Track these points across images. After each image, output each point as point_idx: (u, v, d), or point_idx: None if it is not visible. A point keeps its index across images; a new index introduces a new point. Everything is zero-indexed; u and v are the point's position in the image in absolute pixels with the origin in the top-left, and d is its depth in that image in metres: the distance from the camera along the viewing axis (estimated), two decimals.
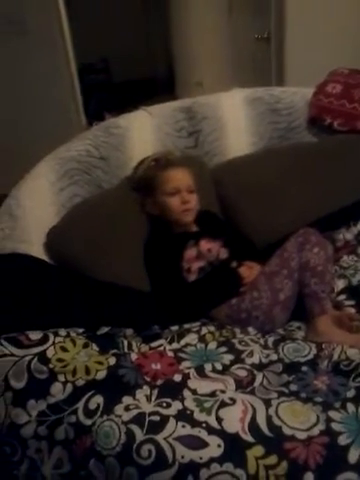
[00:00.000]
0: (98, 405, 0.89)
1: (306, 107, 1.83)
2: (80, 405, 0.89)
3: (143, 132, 1.67)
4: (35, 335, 0.99)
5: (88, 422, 0.87)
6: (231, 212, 1.62)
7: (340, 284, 1.34)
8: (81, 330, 1.06)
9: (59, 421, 0.89)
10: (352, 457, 0.79)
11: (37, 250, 1.28)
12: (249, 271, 1.32)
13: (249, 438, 0.84)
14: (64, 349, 0.98)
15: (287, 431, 0.85)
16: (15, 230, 1.28)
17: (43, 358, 0.95)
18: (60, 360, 0.96)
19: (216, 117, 1.77)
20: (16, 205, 1.34)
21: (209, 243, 1.43)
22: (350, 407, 0.90)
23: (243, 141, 1.78)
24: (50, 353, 0.96)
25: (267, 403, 0.91)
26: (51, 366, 0.94)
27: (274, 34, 2.59)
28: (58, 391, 0.91)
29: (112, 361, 0.98)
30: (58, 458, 0.88)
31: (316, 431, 0.85)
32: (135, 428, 0.85)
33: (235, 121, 1.78)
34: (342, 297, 1.30)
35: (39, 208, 1.37)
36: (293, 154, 1.68)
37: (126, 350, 1.07)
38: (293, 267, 1.23)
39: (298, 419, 0.88)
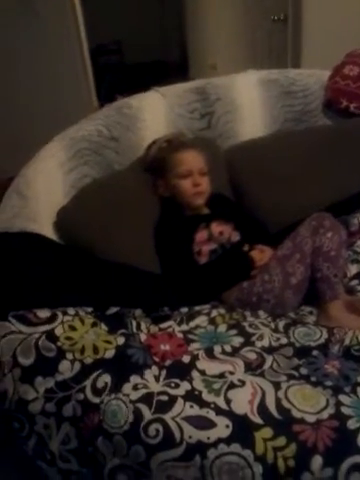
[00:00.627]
0: (106, 384, 0.89)
1: (322, 90, 1.79)
2: (88, 383, 0.89)
3: (155, 113, 1.65)
4: (44, 313, 0.99)
5: (96, 400, 0.87)
6: (243, 195, 1.60)
7: (353, 269, 1.32)
8: (90, 309, 1.06)
9: (67, 398, 0.89)
10: None
11: (46, 229, 1.27)
12: (261, 255, 1.31)
13: (258, 420, 0.83)
14: (72, 328, 0.98)
15: (296, 414, 0.84)
16: (24, 209, 1.27)
17: (51, 336, 0.95)
18: (68, 338, 0.95)
19: (230, 99, 1.74)
20: (25, 184, 1.33)
21: (221, 226, 1.41)
22: None
23: (257, 124, 1.75)
24: (59, 331, 0.96)
25: (276, 386, 0.90)
26: (59, 344, 0.94)
27: (291, 15, 2.53)
28: (66, 369, 0.91)
29: (121, 340, 0.97)
30: (66, 434, 0.88)
31: (325, 415, 0.84)
32: (143, 407, 0.85)
33: (249, 103, 1.75)
34: (355, 282, 1.28)
35: (48, 188, 1.36)
36: (307, 137, 1.65)
37: (135, 330, 1.07)
38: (306, 251, 1.21)
39: (308, 402, 0.87)
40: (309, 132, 1.69)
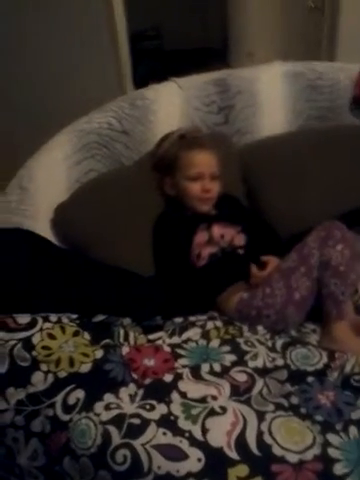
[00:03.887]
0: (78, 400, 0.84)
1: (351, 85, 1.65)
2: (59, 399, 0.84)
3: (170, 106, 1.57)
4: (23, 319, 0.94)
5: (65, 418, 0.82)
6: (256, 196, 1.50)
7: None
8: (75, 316, 1.01)
9: (36, 413, 0.84)
10: None
11: (43, 226, 1.23)
12: (259, 273, 1.21)
13: (234, 455, 0.76)
14: (51, 336, 0.93)
15: (277, 451, 0.77)
16: (23, 204, 1.23)
17: (28, 344, 0.90)
18: (45, 348, 0.91)
19: (251, 92, 1.64)
20: (28, 177, 1.29)
21: (223, 228, 1.33)
22: (352, 431, 0.80)
23: (278, 119, 1.64)
24: (36, 339, 0.91)
25: (261, 416, 0.83)
26: (34, 354, 0.89)
27: (328, 3, 2.36)
28: (39, 381, 0.87)
29: (99, 354, 0.92)
30: (34, 450, 0.84)
31: (310, 455, 0.76)
32: (112, 430, 0.80)
33: (271, 97, 1.64)
34: None
35: (51, 182, 1.32)
36: (330, 137, 1.53)
37: (121, 341, 1.01)
38: (312, 264, 1.11)
39: (292, 439, 0.79)
40: (332, 131, 1.56)
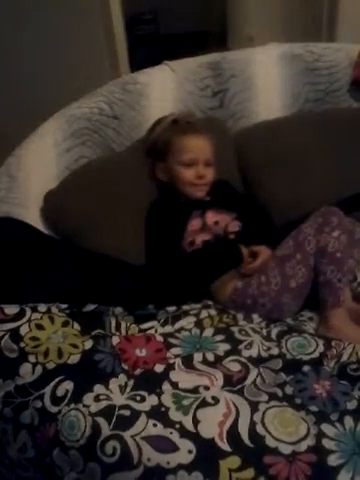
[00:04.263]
0: (67, 392, 0.82)
1: (350, 67, 1.60)
2: (47, 390, 0.83)
3: (163, 90, 1.53)
4: (11, 309, 0.92)
5: (54, 409, 0.81)
6: (252, 182, 1.47)
7: None
8: (64, 306, 0.99)
9: (25, 405, 0.83)
10: None
11: (33, 215, 1.20)
12: (250, 265, 1.18)
13: (225, 446, 0.74)
14: (40, 327, 0.91)
15: (270, 443, 0.75)
16: (12, 192, 1.20)
17: (15, 335, 0.88)
18: (33, 339, 0.89)
19: (246, 75, 1.60)
20: (16, 165, 1.26)
21: (217, 215, 1.30)
22: (348, 422, 0.78)
23: (274, 103, 1.60)
24: (24, 330, 0.89)
25: (254, 407, 0.81)
26: (22, 345, 0.87)
27: None
28: (27, 372, 0.85)
29: (88, 345, 0.90)
30: (23, 442, 0.82)
31: (304, 446, 0.74)
32: (102, 421, 0.78)
33: (267, 80, 1.60)
34: None
35: (40, 169, 1.29)
36: (327, 121, 1.49)
37: (113, 330, 0.99)
38: (308, 251, 1.09)
39: (286, 429, 0.77)
40: (330, 114, 1.53)
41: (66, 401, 0.81)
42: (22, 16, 2.66)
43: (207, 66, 1.58)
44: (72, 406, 0.80)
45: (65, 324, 0.94)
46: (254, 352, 0.98)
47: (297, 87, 1.62)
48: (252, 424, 0.78)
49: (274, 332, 1.04)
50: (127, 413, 0.79)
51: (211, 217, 1.30)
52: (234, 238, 1.27)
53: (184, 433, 0.76)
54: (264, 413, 0.80)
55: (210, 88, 1.57)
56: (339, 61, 1.61)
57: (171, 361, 0.92)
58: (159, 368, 0.89)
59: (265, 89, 1.60)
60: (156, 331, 1.02)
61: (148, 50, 5.09)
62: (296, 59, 1.62)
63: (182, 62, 1.61)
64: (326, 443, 0.75)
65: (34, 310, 0.93)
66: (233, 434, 0.76)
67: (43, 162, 1.31)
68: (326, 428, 0.77)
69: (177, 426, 0.77)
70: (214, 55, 1.63)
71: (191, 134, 1.33)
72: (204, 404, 0.81)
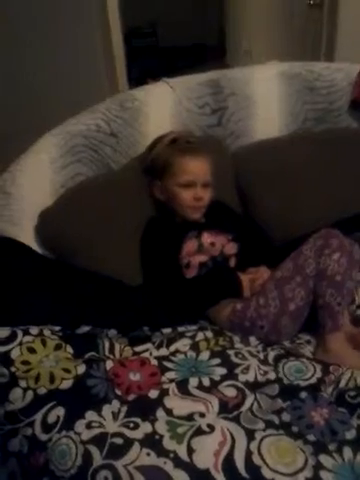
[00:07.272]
0: (58, 418, 0.80)
1: (349, 87, 1.60)
2: (38, 417, 0.80)
3: (161, 107, 1.52)
4: (2, 332, 0.90)
5: (44, 437, 0.78)
6: (249, 201, 1.46)
7: None
8: (57, 328, 0.97)
9: (14, 432, 0.80)
10: None
11: (27, 233, 1.18)
12: (252, 281, 1.18)
13: (221, 477, 0.72)
14: (31, 350, 0.89)
15: (267, 474, 0.73)
16: (6, 210, 1.18)
17: (6, 359, 0.86)
18: (25, 363, 0.87)
19: (245, 94, 1.59)
20: (11, 182, 1.24)
21: (213, 236, 1.29)
22: (347, 452, 0.76)
23: (273, 122, 1.60)
24: (15, 354, 0.87)
25: (250, 435, 0.79)
26: (13, 369, 0.85)
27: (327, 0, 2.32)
28: (17, 398, 0.83)
29: (81, 369, 0.87)
30: (11, 471, 0.80)
31: (301, 478, 0.72)
32: (94, 450, 0.76)
33: (266, 99, 1.60)
34: None
35: (35, 186, 1.27)
36: (326, 141, 1.48)
37: (107, 353, 0.97)
38: (308, 274, 1.07)
39: (283, 460, 0.75)
40: (329, 134, 1.52)
41: (57, 428, 0.79)
42: (20, 31, 2.67)
43: (206, 84, 1.58)
44: (63, 433, 0.78)
45: (58, 347, 0.92)
46: (251, 376, 0.96)
47: (296, 106, 1.61)
48: (248, 454, 0.76)
49: (271, 356, 1.02)
50: (120, 441, 0.77)
51: (207, 238, 1.29)
52: (233, 266, 1.25)
53: (178, 463, 0.74)
54: (260, 442, 0.78)
55: (209, 106, 1.57)
56: (339, 81, 1.60)
57: (165, 386, 0.89)
58: (153, 394, 0.87)
59: (264, 108, 1.59)
60: (151, 354, 1.00)
61: (147, 62, 5.14)
62: (296, 78, 1.62)
63: (181, 79, 1.60)
64: (324, 475, 0.72)
65: (26, 333, 0.91)
66: (229, 464, 0.74)
67: (38, 179, 1.29)
68: (324, 459, 0.75)
69: (171, 455, 0.75)
70: (213, 73, 1.63)
71: (190, 155, 1.31)
72: (199, 432, 0.79)
